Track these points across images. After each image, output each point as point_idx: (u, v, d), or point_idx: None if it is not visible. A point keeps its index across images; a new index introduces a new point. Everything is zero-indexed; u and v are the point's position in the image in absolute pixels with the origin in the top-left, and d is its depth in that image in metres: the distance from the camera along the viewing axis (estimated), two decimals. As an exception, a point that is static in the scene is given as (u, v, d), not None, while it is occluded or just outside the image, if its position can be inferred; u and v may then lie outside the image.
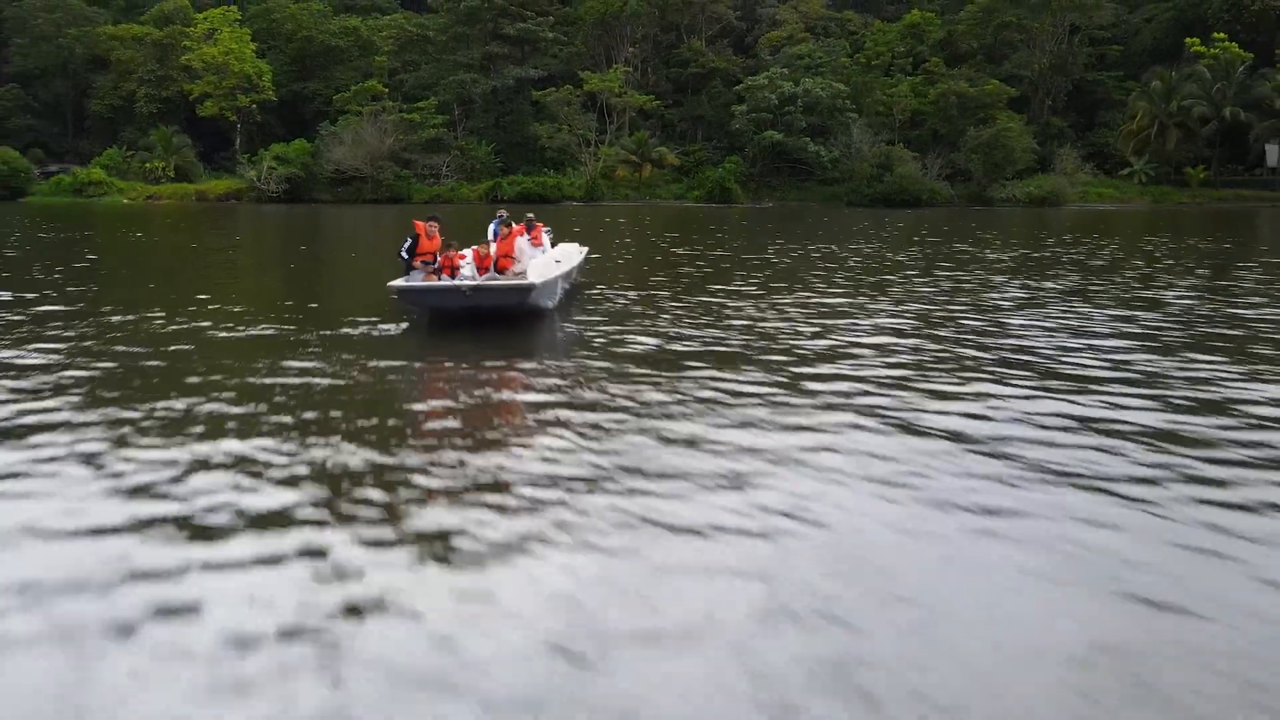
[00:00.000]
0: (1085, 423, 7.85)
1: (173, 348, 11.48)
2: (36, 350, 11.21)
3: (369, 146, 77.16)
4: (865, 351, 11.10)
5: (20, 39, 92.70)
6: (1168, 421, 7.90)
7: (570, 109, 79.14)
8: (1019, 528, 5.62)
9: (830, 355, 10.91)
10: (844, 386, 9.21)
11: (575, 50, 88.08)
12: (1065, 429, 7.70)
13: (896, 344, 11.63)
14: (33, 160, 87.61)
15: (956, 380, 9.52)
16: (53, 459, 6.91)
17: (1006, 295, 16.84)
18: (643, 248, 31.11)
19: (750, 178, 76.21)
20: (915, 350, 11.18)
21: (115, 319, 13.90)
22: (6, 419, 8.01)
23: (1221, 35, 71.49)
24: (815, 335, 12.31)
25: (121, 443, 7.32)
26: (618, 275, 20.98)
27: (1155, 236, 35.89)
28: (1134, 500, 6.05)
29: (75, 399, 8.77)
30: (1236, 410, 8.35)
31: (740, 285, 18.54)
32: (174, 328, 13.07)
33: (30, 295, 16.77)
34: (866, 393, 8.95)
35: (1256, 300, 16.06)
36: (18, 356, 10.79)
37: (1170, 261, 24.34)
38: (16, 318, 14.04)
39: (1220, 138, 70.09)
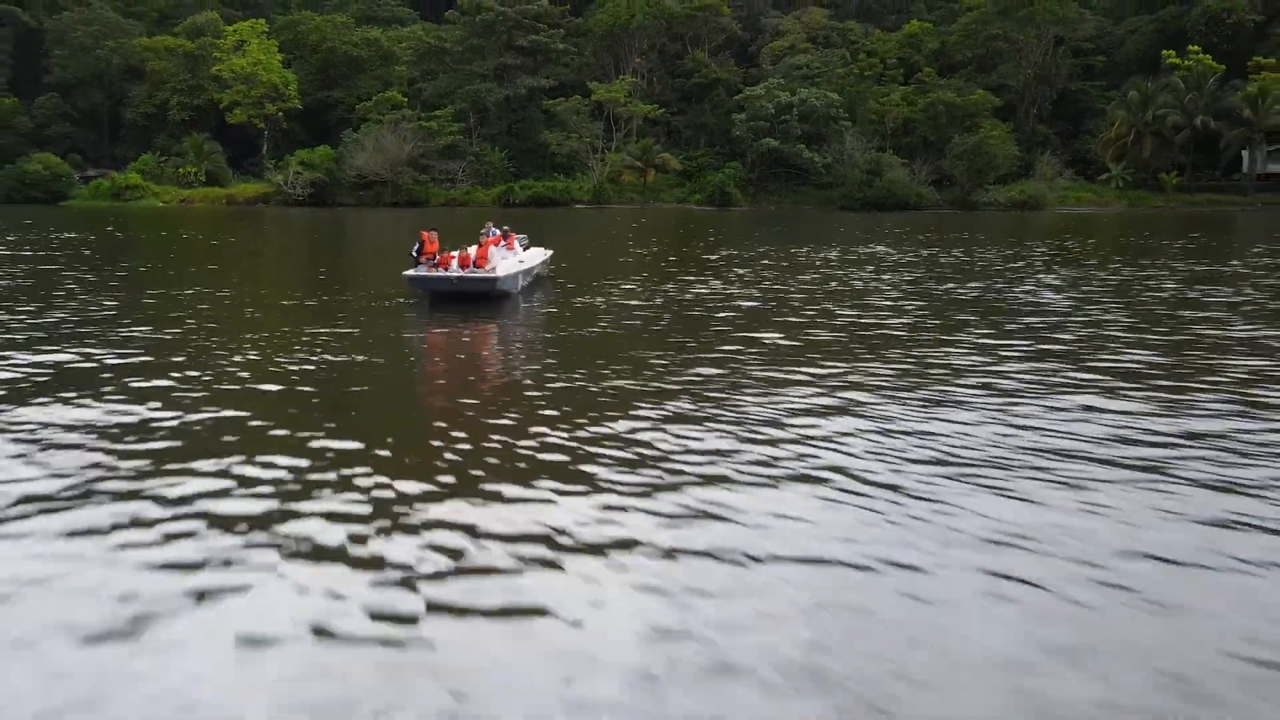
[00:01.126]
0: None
1: (251, 314, 16.02)
2: (134, 337, 15.68)
3: (389, 153, 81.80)
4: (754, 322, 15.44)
5: (60, 50, 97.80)
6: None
7: (579, 117, 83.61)
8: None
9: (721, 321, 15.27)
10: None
11: (585, 61, 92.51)
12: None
13: (788, 315, 15.96)
14: (71, 165, 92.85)
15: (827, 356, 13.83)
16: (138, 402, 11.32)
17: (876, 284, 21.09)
18: (619, 246, 35.43)
19: (749, 182, 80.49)
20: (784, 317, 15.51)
21: (198, 303, 18.44)
22: (135, 373, 12.43)
23: (1196, 48, 75.24)
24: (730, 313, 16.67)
25: (221, 377, 11.74)
26: (587, 266, 25.40)
27: (1072, 237, 39.91)
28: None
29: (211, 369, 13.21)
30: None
31: (676, 270, 22.90)
32: (246, 303, 17.63)
33: (112, 286, 21.30)
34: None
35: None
36: (131, 341, 15.25)
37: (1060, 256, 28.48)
38: (111, 305, 18.54)
39: (1193, 145, 73.80)
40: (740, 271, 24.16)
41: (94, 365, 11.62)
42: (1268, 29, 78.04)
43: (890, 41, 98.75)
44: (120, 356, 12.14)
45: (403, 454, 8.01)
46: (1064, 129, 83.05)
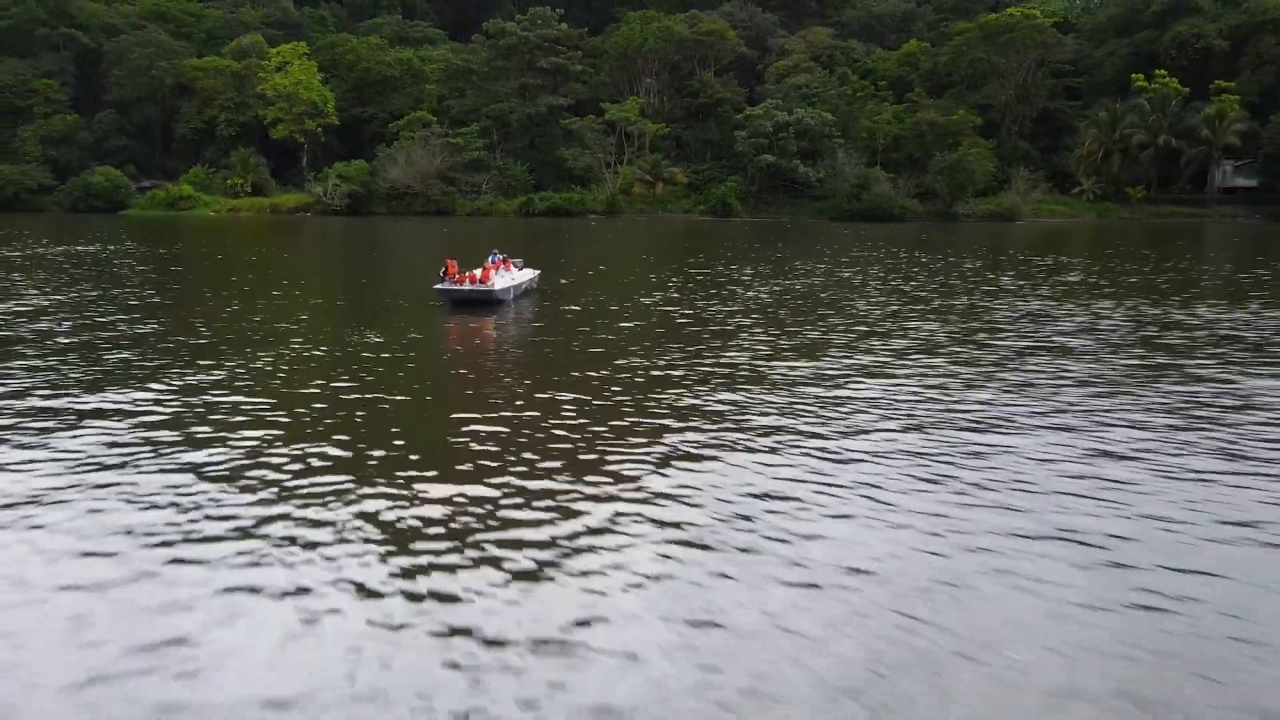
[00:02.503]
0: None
1: (303, 316, 23.08)
2: (201, 331, 22.80)
3: (419, 166, 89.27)
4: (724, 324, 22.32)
5: (118, 70, 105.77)
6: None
7: (593, 134, 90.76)
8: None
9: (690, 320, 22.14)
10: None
11: (601, 80, 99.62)
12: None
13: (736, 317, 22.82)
14: (127, 176, 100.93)
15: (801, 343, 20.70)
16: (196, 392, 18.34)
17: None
18: (612, 257, 42.41)
19: (750, 194, 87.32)
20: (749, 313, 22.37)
21: (273, 298, 25.53)
22: (205, 359, 19.48)
23: (1163, 72, 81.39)
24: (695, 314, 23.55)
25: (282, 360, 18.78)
26: (579, 275, 32.34)
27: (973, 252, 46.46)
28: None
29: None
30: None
31: (647, 273, 29.79)
32: (299, 304, 24.70)
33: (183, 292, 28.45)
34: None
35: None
36: (204, 329, 22.36)
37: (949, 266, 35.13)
38: (195, 308, 25.67)
39: (1158, 161, 79.97)
40: (709, 278, 31.09)
41: (208, 341, 18.67)
42: (1233, 54, 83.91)
43: (890, 60, 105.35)
44: (219, 338, 19.19)
45: (434, 402, 14.93)
46: (1045, 144, 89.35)
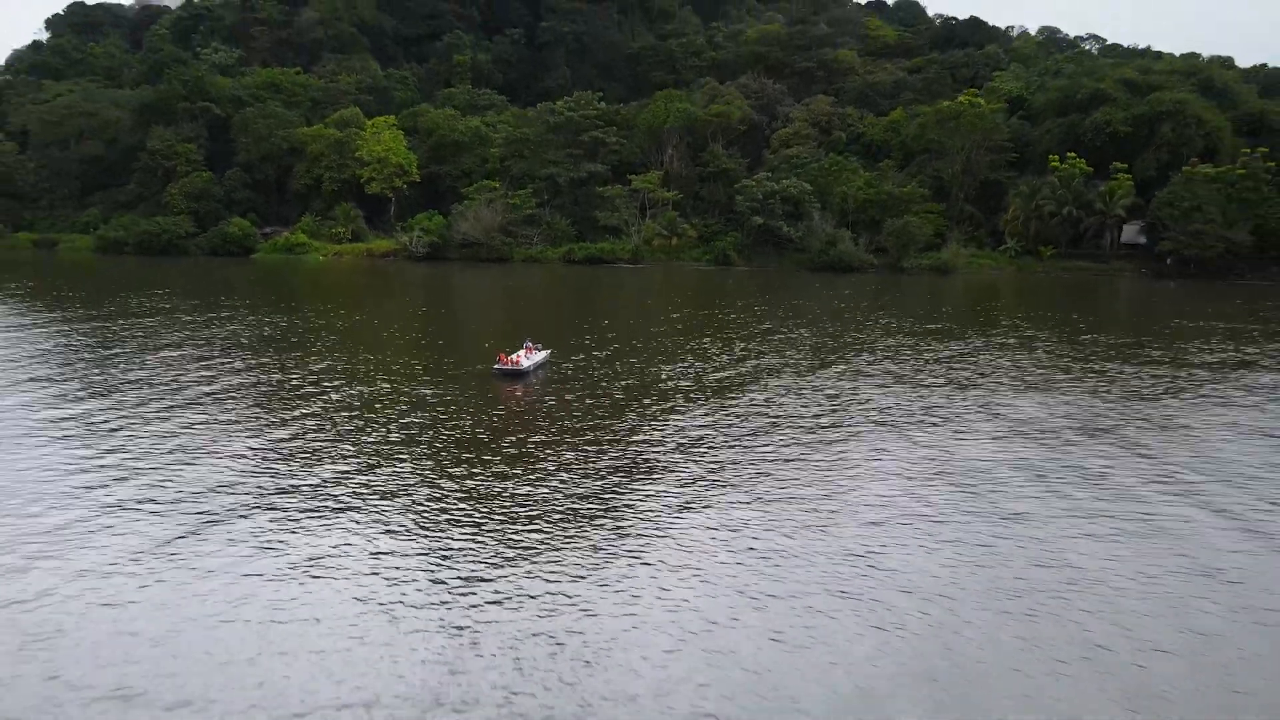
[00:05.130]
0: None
1: (411, 362, 46.11)
2: (307, 368, 46.03)
3: (484, 222, 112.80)
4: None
5: (244, 137, 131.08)
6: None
7: (622, 199, 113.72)
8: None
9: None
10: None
11: (631, 148, 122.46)
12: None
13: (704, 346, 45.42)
14: (251, 223, 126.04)
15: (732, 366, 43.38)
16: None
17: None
18: (626, 309, 64.77)
19: (746, 247, 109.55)
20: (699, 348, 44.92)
21: (357, 336, 48.67)
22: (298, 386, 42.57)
23: (1073, 154, 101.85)
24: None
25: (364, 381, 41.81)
26: (586, 332, 55.04)
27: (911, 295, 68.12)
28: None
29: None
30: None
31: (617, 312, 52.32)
32: (401, 349, 47.71)
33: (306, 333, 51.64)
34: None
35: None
36: (320, 365, 45.55)
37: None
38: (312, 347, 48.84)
39: (1066, 226, 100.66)
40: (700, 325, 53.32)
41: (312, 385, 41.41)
42: (1137, 137, 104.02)
43: (877, 126, 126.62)
44: (334, 360, 41.88)
45: (480, 432, 37.47)
46: (987, 208, 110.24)
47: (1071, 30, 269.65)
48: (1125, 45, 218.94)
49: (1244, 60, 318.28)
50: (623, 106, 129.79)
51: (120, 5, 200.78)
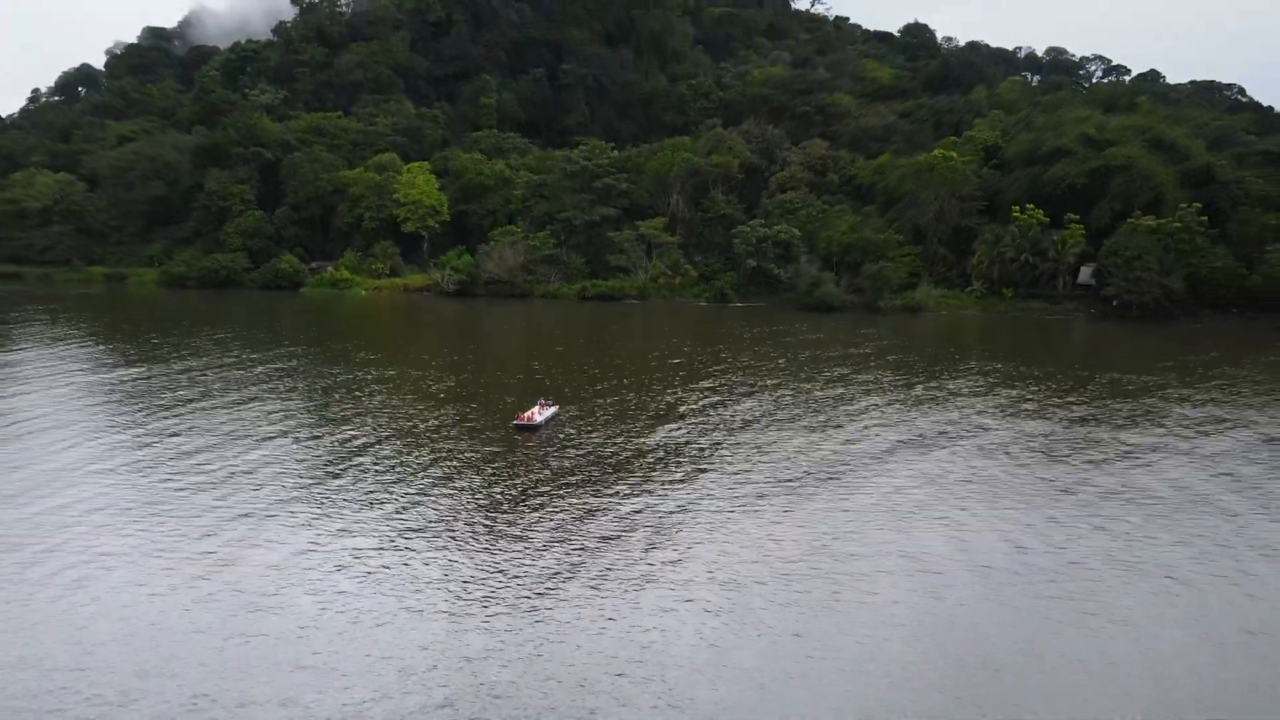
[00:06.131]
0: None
1: (449, 411, 59.51)
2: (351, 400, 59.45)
3: (508, 262, 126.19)
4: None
5: (292, 180, 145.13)
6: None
7: (630, 243, 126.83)
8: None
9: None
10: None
11: (640, 193, 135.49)
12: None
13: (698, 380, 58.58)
14: (298, 258, 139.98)
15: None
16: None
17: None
18: (628, 349, 77.73)
19: (741, 286, 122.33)
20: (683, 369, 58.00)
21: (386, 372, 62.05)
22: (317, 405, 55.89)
23: (1032, 206, 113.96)
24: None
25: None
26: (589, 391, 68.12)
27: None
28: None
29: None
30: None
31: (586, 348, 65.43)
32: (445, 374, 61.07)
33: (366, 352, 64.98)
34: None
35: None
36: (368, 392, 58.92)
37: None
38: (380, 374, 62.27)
39: (1024, 271, 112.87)
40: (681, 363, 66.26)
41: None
42: (1092, 189, 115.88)
43: (867, 169, 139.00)
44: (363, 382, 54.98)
45: (493, 472, 50.53)
46: (960, 250, 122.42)
47: (1078, 51, 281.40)
48: (1128, 66, 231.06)
49: (1249, 78, 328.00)
50: (635, 151, 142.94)
51: (172, 45, 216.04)
